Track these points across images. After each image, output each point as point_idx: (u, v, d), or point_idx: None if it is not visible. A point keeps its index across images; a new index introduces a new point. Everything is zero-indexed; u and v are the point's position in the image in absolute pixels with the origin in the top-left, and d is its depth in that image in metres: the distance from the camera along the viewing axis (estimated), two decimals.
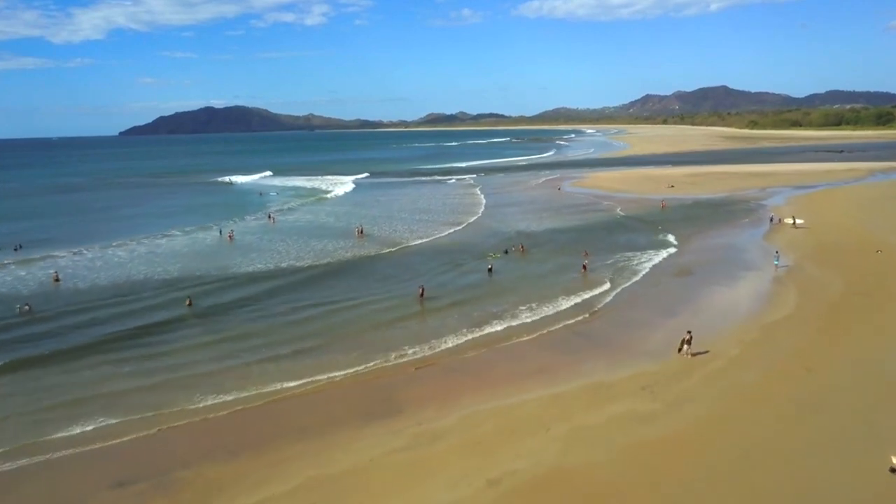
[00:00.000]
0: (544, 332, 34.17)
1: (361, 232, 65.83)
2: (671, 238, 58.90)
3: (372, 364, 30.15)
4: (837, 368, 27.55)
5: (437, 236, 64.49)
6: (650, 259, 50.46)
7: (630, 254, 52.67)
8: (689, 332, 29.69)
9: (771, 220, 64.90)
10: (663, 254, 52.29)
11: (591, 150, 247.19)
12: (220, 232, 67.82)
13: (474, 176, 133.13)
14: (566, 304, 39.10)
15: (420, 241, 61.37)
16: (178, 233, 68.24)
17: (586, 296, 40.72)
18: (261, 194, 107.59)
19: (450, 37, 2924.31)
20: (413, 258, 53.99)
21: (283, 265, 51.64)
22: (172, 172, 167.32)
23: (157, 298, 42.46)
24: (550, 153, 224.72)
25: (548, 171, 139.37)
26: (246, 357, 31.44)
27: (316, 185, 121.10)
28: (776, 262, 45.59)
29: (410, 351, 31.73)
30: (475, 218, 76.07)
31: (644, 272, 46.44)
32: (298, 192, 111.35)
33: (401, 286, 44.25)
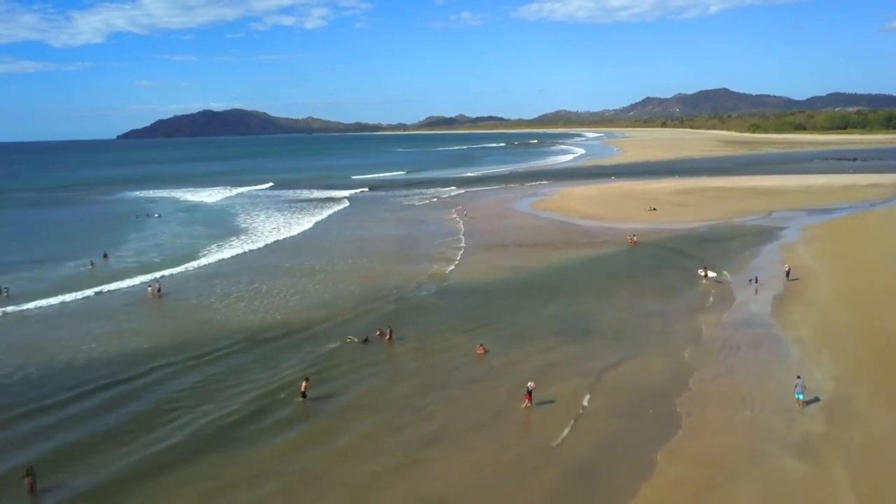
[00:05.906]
0: None
1: (158, 291, 45.77)
2: (633, 315, 38.31)
3: None
4: None
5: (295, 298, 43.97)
6: (582, 369, 29.84)
7: (548, 354, 32.10)
8: None
9: (760, 278, 44.13)
10: (611, 356, 31.63)
11: (586, 154, 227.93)
12: (2, 290, 47.67)
13: (448, 189, 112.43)
14: None
15: (261, 316, 40.59)
16: None
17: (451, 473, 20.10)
18: (137, 217, 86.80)
19: (449, 39, 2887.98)
20: (209, 361, 33.18)
21: None
22: (93, 184, 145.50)
23: None
24: (543, 160, 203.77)
25: (542, 181, 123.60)
26: None
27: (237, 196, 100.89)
28: (799, 396, 24.71)
29: None
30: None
31: (577, 407, 25.86)
32: (191, 211, 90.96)
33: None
